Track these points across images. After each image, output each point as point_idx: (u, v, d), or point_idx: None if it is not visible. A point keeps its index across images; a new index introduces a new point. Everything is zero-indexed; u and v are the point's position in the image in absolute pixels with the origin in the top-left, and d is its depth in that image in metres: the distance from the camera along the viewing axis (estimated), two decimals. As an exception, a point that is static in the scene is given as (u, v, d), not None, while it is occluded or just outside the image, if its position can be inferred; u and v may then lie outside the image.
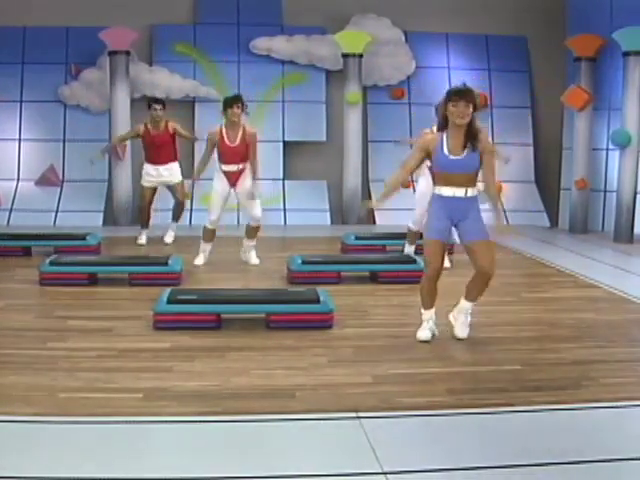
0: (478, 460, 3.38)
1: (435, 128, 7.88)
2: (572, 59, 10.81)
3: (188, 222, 11.06)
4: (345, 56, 11.47)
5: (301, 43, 11.71)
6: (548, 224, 11.55)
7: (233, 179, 7.74)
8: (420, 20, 11.90)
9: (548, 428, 3.78)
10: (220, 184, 7.76)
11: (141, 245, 9.16)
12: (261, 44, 11.72)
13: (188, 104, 11.43)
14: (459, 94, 4.93)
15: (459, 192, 5.01)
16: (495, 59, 12.22)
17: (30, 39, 11.45)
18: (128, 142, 10.89)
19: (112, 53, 10.87)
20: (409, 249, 8.11)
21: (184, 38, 11.70)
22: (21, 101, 11.48)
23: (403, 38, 11.95)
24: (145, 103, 9.37)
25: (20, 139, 11.53)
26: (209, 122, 10.92)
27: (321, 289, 5.87)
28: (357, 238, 8.78)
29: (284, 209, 11.27)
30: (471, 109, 4.91)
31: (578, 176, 10.71)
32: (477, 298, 5.25)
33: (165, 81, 11.42)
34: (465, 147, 4.97)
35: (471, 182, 5.04)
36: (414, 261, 7.27)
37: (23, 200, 11.21)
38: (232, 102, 7.55)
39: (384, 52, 11.78)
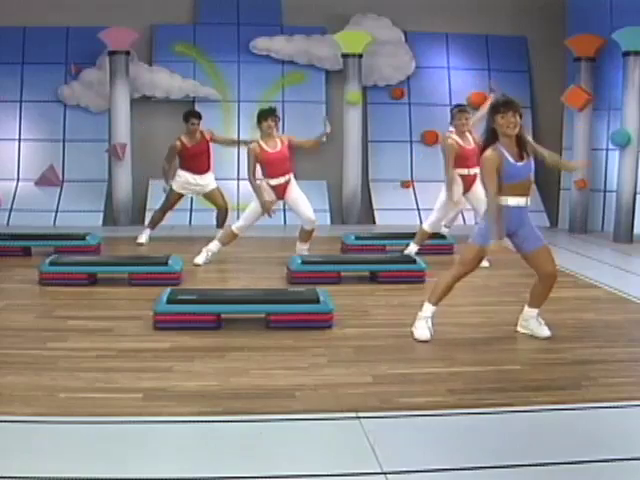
0: (478, 460, 3.38)
1: (454, 135, 7.91)
2: (572, 59, 10.81)
3: (188, 222, 11.07)
4: (345, 56, 11.46)
5: (301, 43, 11.71)
6: (548, 224, 11.54)
7: (281, 192, 7.82)
8: (420, 20, 11.90)
9: (548, 428, 3.78)
10: (266, 196, 7.77)
11: (140, 245, 9.16)
12: (261, 44, 11.72)
13: (188, 104, 11.41)
14: (507, 105, 4.94)
15: (522, 201, 5.08)
16: (495, 59, 12.22)
17: (30, 39, 11.44)
18: (129, 143, 10.91)
19: (112, 53, 10.85)
20: (412, 248, 8.11)
21: (184, 38, 11.70)
22: (21, 101, 11.48)
23: (403, 38, 11.95)
24: (181, 116, 9.18)
25: (20, 139, 11.52)
26: (209, 122, 10.94)
27: (321, 289, 5.87)
28: (357, 238, 8.79)
29: (284, 209, 11.25)
30: (519, 119, 4.94)
31: (578, 176, 10.71)
32: (542, 304, 5.35)
33: (165, 81, 11.41)
34: (522, 154, 5.04)
35: (531, 189, 5.15)
36: (414, 261, 7.27)
37: (23, 200, 11.20)
38: (267, 115, 7.66)
39: (384, 52, 11.78)
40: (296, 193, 7.89)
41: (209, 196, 9.20)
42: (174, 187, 9.11)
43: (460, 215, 9.28)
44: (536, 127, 12.19)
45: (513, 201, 5.06)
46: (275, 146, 7.72)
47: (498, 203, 4.99)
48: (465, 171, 7.92)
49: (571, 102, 10.70)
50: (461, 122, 7.84)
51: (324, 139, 8.58)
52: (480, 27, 12.02)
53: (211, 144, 9.15)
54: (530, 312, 5.37)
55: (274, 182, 7.75)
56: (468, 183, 7.94)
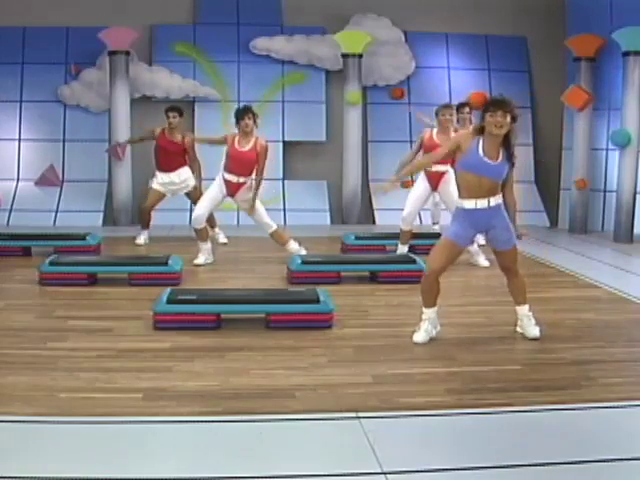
0: (478, 460, 3.39)
1: (435, 131, 7.97)
2: (572, 59, 10.81)
3: (188, 222, 11.06)
4: (345, 56, 11.47)
5: (301, 43, 11.71)
6: (548, 224, 11.55)
7: (232, 190, 7.83)
8: (420, 20, 11.91)
9: (548, 428, 3.78)
10: (217, 189, 7.86)
11: (139, 245, 9.16)
12: (261, 44, 11.72)
13: (188, 104, 11.41)
14: (496, 104, 4.88)
15: (482, 203, 5.00)
16: (495, 59, 12.22)
17: (30, 39, 11.44)
18: (128, 144, 10.91)
19: (112, 53, 10.86)
20: (402, 249, 8.14)
21: (184, 38, 11.70)
22: (21, 101, 11.48)
23: (403, 38, 11.95)
24: (162, 109, 9.30)
25: (20, 139, 11.53)
26: (209, 122, 10.99)
27: (321, 289, 5.87)
28: (357, 238, 8.79)
29: (284, 209, 11.26)
30: (509, 119, 4.86)
31: (578, 176, 10.71)
32: (525, 299, 5.33)
33: (165, 81, 11.42)
34: (499, 155, 4.96)
35: (495, 191, 5.03)
36: (414, 261, 7.27)
37: (23, 200, 11.20)
38: (243, 114, 7.70)
39: (384, 52, 11.78)
40: (246, 198, 7.83)
41: (191, 196, 9.22)
42: (153, 185, 9.20)
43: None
44: (536, 127, 12.20)
45: (469, 204, 5.01)
46: (245, 146, 7.74)
47: (427, 163, 5.42)
48: (428, 167, 7.92)
49: (571, 102, 10.70)
50: (445, 118, 7.80)
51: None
52: (480, 27, 12.02)
53: (196, 146, 9.14)
54: (521, 310, 5.35)
55: (228, 176, 7.79)
56: (433, 180, 7.93)
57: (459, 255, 5.30)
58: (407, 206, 8.11)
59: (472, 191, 5.00)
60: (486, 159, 4.93)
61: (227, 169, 7.82)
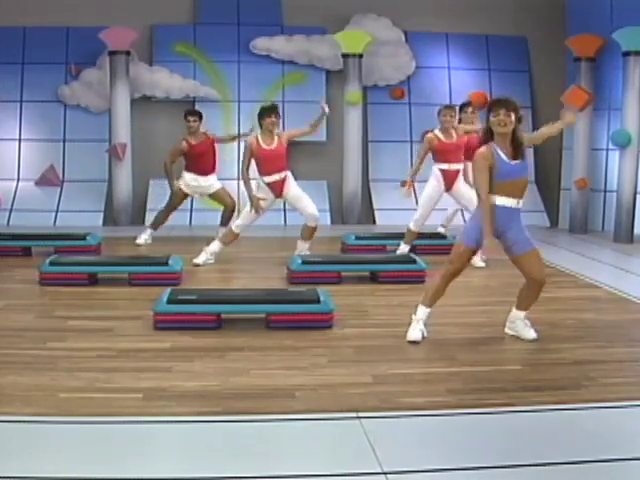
0: (478, 460, 3.38)
1: (437, 131, 8.00)
2: (572, 59, 10.81)
3: (188, 222, 11.07)
4: (345, 56, 11.47)
5: (301, 43, 11.71)
6: (548, 224, 11.55)
7: (277, 190, 7.78)
8: (420, 20, 11.90)
9: (548, 428, 3.78)
10: (255, 189, 7.74)
11: (139, 245, 9.15)
12: (261, 44, 11.72)
13: (188, 104, 11.41)
14: (498, 103, 4.94)
15: (511, 202, 5.02)
16: (495, 59, 12.22)
17: (30, 39, 11.45)
18: (129, 143, 10.91)
19: (112, 53, 10.86)
20: (404, 248, 8.14)
21: (184, 38, 11.70)
22: (21, 101, 11.48)
23: (403, 38, 11.95)
24: (182, 116, 9.21)
25: (20, 139, 11.53)
26: (209, 122, 10.94)
27: (321, 289, 5.87)
28: (357, 238, 8.79)
29: (284, 209, 11.25)
30: (512, 117, 4.91)
31: (578, 176, 10.71)
32: (530, 307, 5.32)
33: (165, 81, 11.42)
34: (516, 154, 5.00)
35: (524, 191, 5.08)
36: (414, 261, 7.27)
37: (23, 200, 11.21)
38: (269, 112, 7.67)
39: (384, 52, 11.78)
40: (295, 190, 7.87)
41: (215, 196, 9.20)
42: (180, 186, 9.09)
43: (460, 214, 9.28)
44: (536, 127, 12.17)
45: (501, 200, 5.01)
46: (272, 143, 7.72)
47: (490, 201, 4.95)
48: (445, 166, 7.96)
49: (571, 102, 10.69)
50: (446, 119, 7.90)
51: (323, 121, 8.51)
52: (480, 27, 12.02)
53: (216, 145, 9.15)
54: (517, 314, 5.34)
55: (268, 179, 7.74)
56: (449, 178, 7.96)
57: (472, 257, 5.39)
58: (420, 208, 8.10)
59: (508, 190, 5.00)
60: (513, 162, 4.98)
61: (264, 173, 7.72)
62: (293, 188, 7.85)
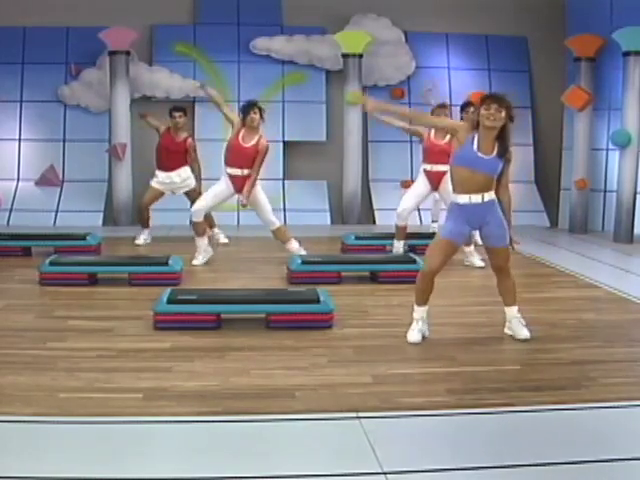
0: (478, 460, 3.39)
1: (432, 132, 8.04)
2: (572, 59, 10.81)
3: (188, 222, 11.05)
4: (345, 56, 11.47)
5: (301, 43, 11.70)
6: (548, 224, 11.55)
7: (238, 185, 7.77)
8: (420, 20, 11.90)
9: (548, 428, 3.78)
10: (223, 186, 7.82)
11: (139, 246, 9.15)
12: (261, 44, 11.72)
13: (188, 104, 11.40)
14: (491, 97, 4.97)
15: (476, 198, 5.02)
16: (495, 59, 12.22)
17: (30, 39, 11.44)
18: (129, 143, 10.90)
19: (112, 53, 10.85)
20: (398, 244, 8.16)
21: (184, 38, 11.70)
22: (21, 101, 11.48)
23: (403, 38, 11.95)
24: (167, 110, 9.30)
25: (20, 139, 11.52)
26: (209, 122, 10.98)
27: (321, 289, 5.87)
28: (357, 238, 8.79)
29: (284, 209, 11.26)
30: (503, 114, 4.91)
31: (578, 176, 10.71)
32: (515, 300, 5.31)
33: (165, 81, 11.41)
34: (493, 150, 4.99)
35: (489, 186, 5.05)
36: (414, 261, 7.27)
37: (23, 200, 11.20)
38: (249, 108, 7.69)
39: (384, 52, 11.78)
40: (260, 196, 7.82)
41: (190, 196, 9.17)
42: (152, 184, 9.21)
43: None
44: (536, 127, 12.20)
45: (463, 199, 5.03)
46: (249, 141, 7.71)
47: (415, 116, 5.52)
48: (428, 167, 8.00)
49: (571, 102, 10.70)
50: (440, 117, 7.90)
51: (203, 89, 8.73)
52: (480, 27, 12.01)
53: (190, 149, 9.14)
54: (510, 312, 5.33)
55: (230, 170, 7.77)
56: (435, 179, 8.01)
57: (455, 253, 5.31)
58: (403, 201, 8.21)
59: (466, 186, 5.02)
60: (480, 154, 4.96)
61: (229, 163, 7.79)
62: (258, 194, 7.82)
